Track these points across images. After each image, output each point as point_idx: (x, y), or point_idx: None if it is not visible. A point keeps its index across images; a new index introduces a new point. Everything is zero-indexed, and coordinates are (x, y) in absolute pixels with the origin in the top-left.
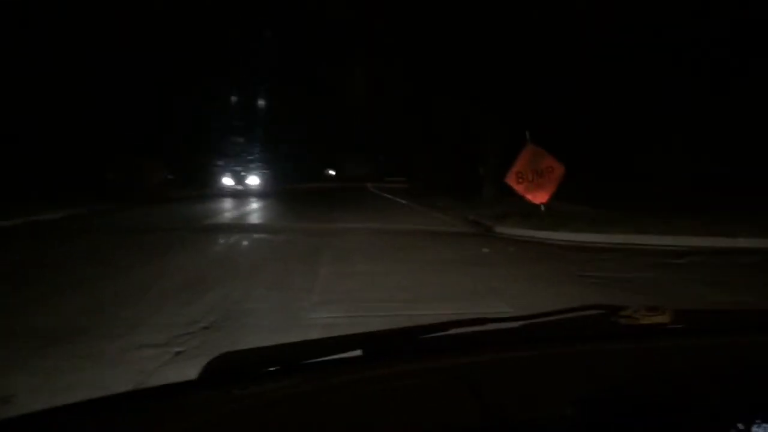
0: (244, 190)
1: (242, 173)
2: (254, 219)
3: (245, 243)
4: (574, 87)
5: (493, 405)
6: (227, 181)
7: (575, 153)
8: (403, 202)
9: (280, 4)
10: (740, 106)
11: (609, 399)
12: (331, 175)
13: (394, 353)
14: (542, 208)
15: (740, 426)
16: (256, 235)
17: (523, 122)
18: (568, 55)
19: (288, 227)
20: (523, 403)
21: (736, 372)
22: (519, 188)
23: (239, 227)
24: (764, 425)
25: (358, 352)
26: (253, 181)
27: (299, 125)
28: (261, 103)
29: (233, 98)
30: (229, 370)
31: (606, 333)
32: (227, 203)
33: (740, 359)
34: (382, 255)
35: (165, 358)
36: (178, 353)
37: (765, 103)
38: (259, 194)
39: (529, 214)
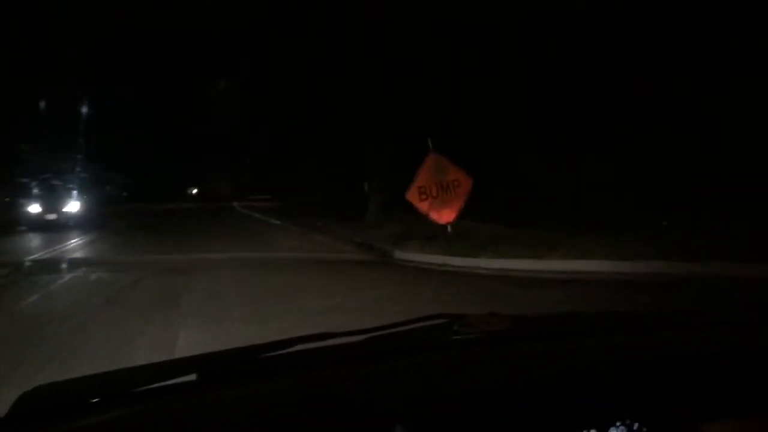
0: (56, 220)
1: (58, 196)
2: (86, 253)
3: (66, 290)
4: (462, 93)
5: (333, 425)
6: (33, 208)
7: (464, 163)
8: (277, 222)
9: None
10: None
11: (444, 408)
12: (193, 194)
13: (232, 376)
14: (448, 228)
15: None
16: (91, 274)
17: (413, 132)
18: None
19: (139, 262)
20: (361, 422)
21: (575, 376)
22: (422, 206)
23: (59, 265)
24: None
25: (192, 377)
26: (73, 207)
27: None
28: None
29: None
30: (44, 405)
31: (447, 342)
32: (32, 238)
33: (580, 363)
34: (265, 302)
35: None
36: None
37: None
38: (86, 225)
39: (433, 235)
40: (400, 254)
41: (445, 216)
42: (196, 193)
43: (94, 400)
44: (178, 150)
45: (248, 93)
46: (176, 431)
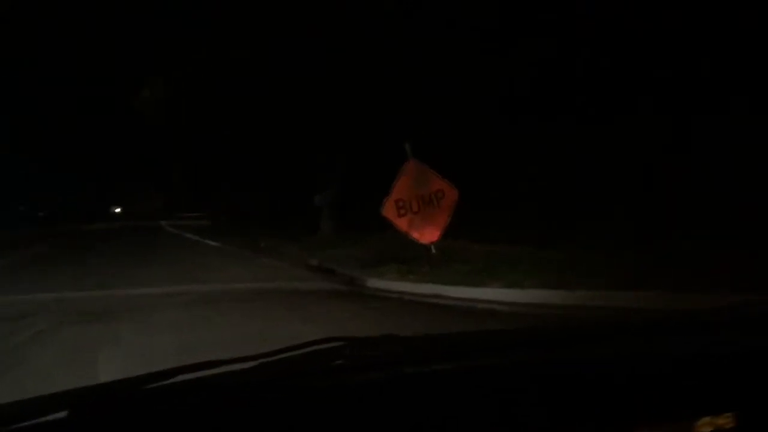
0: None
1: None
2: None
3: None
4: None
5: None
6: None
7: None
8: (214, 243)
9: None
10: None
11: None
12: (116, 212)
13: (108, 412)
14: (432, 248)
15: None
16: None
17: (372, 138)
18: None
19: (48, 302)
20: None
21: (464, 397)
22: (400, 223)
23: None
24: None
25: (63, 414)
26: None
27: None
28: None
29: None
30: None
31: (338, 366)
32: None
33: (471, 383)
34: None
35: None
36: None
37: None
38: None
39: (411, 257)
40: (375, 282)
41: (428, 234)
42: (120, 212)
43: None
44: (98, 167)
45: (177, 99)
46: None
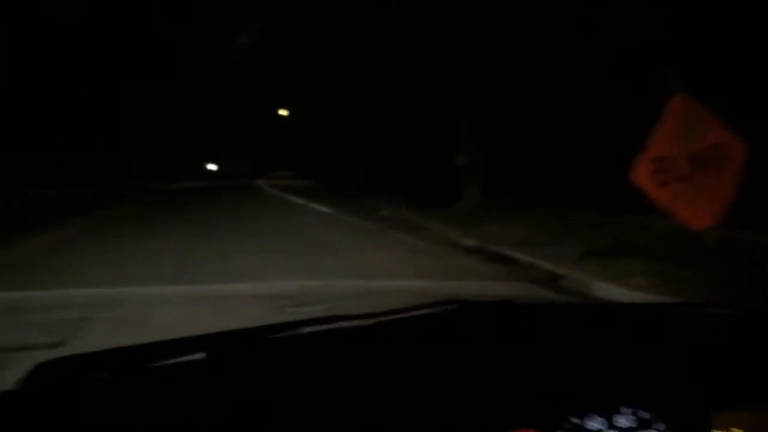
0: None
1: None
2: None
3: None
4: None
5: (344, 410)
6: None
7: None
8: (325, 209)
9: None
10: None
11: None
12: (211, 170)
13: (241, 356)
14: (709, 238)
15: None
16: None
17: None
18: None
19: (102, 303)
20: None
21: (581, 361)
22: (661, 195)
23: None
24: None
25: (201, 355)
26: None
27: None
28: None
29: None
30: (53, 379)
31: (456, 331)
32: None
33: (588, 349)
34: None
35: None
36: None
37: None
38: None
39: (639, 244)
40: (608, 289)
41: (702, 214)
42: (215, 169)
43: (107, 376)
44: (194, 123)
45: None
46: (185, 409)
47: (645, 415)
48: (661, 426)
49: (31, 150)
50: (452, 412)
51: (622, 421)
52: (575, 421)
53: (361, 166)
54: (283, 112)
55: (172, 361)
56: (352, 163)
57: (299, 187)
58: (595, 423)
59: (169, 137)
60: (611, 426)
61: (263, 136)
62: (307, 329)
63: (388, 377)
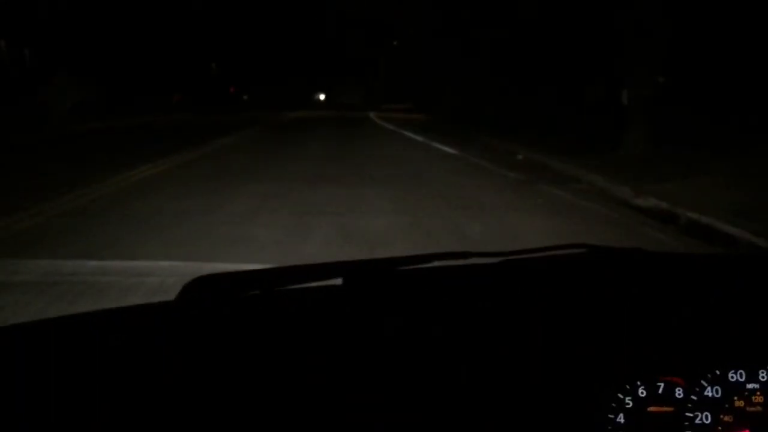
0: None
1: None
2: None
3: None
4: None
5: (478, 345)
6: None
7: None
8: (450, 150)
9: None
10: None
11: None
12: (321, 100)
13: (376, 284)
14: None
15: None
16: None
17: None
18: None
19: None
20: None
21: (703, 316)
22: None
23: None
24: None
25: (338, 281)
26: None
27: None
28: None
29: None
30: (207, 294)
31: (585, 275)
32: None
33: (714, 305)
34: None
35: None
36: None
37: None
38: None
39: None
40: None
41: None
42: (324, 99)
43: (253, 293)
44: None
45: None
46: (323, 331)
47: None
48: None
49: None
50: (596, 358)
51: (764, 375)
52: (717, 371)
53: (485, 99)
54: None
55: (312, 284)
56: (474, 97)
57: (416, 121)
58: (736, 375)
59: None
60: (752, 378)
61: (375, 69)
62: (438, 263)
63: (520, 319)
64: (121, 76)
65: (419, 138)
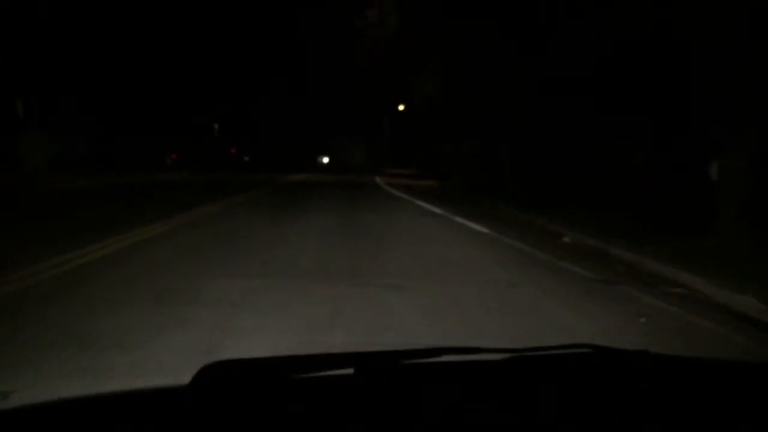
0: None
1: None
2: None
3: None
4: None
5: None
6: None
7: None
8: (477, 227)
9: None
10: None
11: None
12: (324, 163)
13: (387, 376)
14: None
15: None
16: None
17: None
18: None
19: None
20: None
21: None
22: None
23: None
24: None
25: (349, 371)
26: None
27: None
28: None
29: None
30: (221, 381)
31: (591, 377)
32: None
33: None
34: None
35: None
36: None
37: None
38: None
39: None
40: None
41: None
42: (328, 162)
43: (266, 382)
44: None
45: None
46: (334, 421)
47: None
48: None
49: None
50: None
51: None
52: None
53: (503, 166)
54: (401, 107)
55: (323, 373)
56: (489, 163)
57: (426, 189)
58: None
59: (284, 126)
60: None
61: (378, 132)
62: (447, 358)
63: (522, 415)
64: (118, 130)
65: (437, 210)
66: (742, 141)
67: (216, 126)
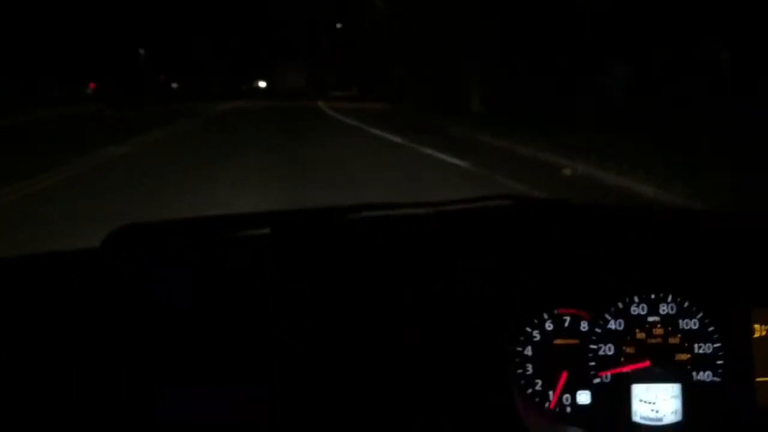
0: None
1: None
2: None
3: None
4: None
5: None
6: None
7: None
8: (449, 159)
9: None
10: None
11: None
12: (261, 87)
13: (303, 235)
14: None
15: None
16: None
17: None
18: None
19: None
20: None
21: (627, 250)
22: None
23: None
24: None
25: (266, 230)
26: None
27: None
28: None
29: None
30: (134, 241)
31: (512, 226)
32: None
33: (633, 239)
34: None
35: None
36: None
37: None
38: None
39: None
40: None
41: None
42: (265, 87)
43: (179, 244)
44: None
45: None
46: (251, 279)
47: (685, 303)
48: (701, 314)
49: None
50: (506, 296)
51: (664, 308)
52: (620, 305)
53: (463, 86)
54: (338, 25)
55: (240, 234)
56: (447, 83)
57: (378, 113)
58: (638, 309)
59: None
60: (653, 312)
61: (319, 55)
62: (367, 213)
63: (442, 265)
64: (30, 61)
65: (396, 139)
66: None
67: (142, 51)
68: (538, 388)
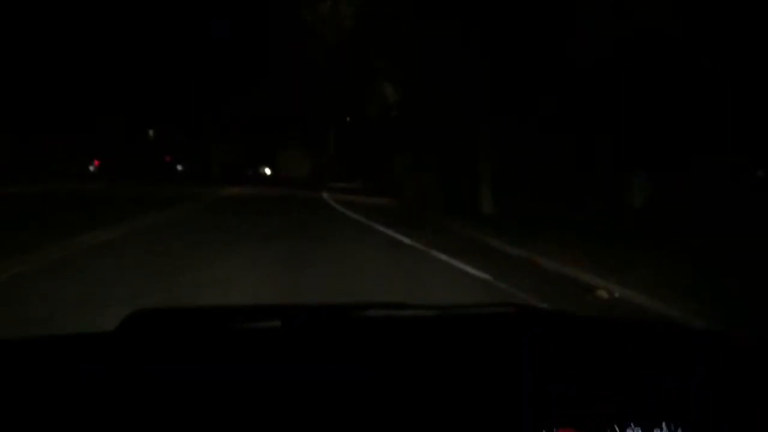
0: None
1: None
2: None
3: None
4: None
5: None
6: None
7: None
8: (480, 275)
9: None
10: None
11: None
12: (266, 175)
13: (313, 329)
14: None
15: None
16: None
17: None
18: None
19: None
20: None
21: (627, 375)
22: None
23: None
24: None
25: (276, 323)
26: None
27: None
28: None
29: None
30: (147, 327)
31: (510, 336)
32: None
33: (634, 364)
34: None
35: None
36: None
37: None
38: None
39: None
40: None
41: None
42: (270, 174)
43: (192, 330)
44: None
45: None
46: (260, 371)
47: (678, 430)
48: None
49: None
50: (502, 408)
51: None
52: (616, 428)
53: (482, 181)
54: (348, 118)
55: (250, 325)
56: (458, 177)
57: (380, 208)
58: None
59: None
60: None
61: (323, 144)
62: (374, 312)
63: (444, 369)
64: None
65: (408, 241)
66: None
67: (151, 132)
68: None
